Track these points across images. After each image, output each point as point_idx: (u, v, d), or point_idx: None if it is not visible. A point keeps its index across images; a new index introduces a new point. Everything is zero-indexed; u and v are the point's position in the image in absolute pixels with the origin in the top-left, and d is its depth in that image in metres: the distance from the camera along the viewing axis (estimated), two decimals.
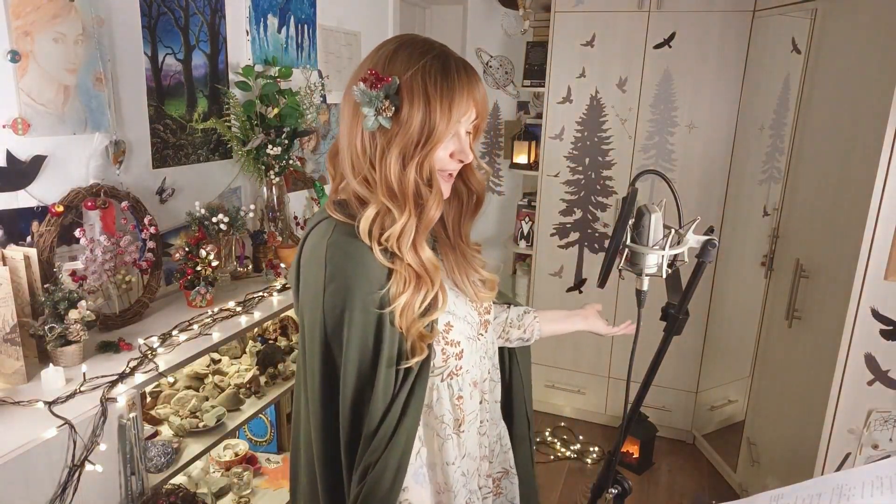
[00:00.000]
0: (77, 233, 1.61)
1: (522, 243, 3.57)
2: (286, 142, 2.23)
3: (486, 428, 1.22)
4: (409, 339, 0.99)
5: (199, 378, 1.96)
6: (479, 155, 4.02)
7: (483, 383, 1.19)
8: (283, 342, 2.24)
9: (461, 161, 1.02)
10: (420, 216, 0.99)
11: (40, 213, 1.59)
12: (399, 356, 0.99)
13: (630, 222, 1.12)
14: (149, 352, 1.56)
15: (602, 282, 1.15)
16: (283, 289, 2.07)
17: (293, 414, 1.15)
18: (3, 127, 1.50)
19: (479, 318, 1.17)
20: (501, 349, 1.33)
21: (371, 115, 0.94)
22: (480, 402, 1.18)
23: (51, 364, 1.44)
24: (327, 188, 2.78)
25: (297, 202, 2.69)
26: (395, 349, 0.99)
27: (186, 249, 1.87)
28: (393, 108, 0.94)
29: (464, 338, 1.10)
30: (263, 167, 2.25)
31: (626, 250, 1.14)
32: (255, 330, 2.08)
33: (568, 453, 3.21)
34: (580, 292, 3.37)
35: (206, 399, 1.86)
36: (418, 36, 1.01)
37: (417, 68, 0.94)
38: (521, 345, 1.36)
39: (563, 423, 3.49)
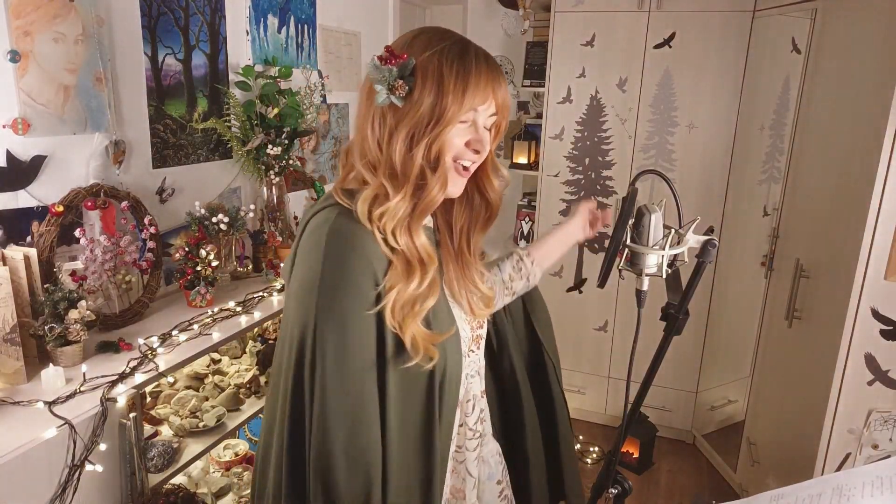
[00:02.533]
0: (77, 233, 1.61)
1: (522, 243, 3.57)
2: (286, 142, 2.23)
3: (465, 458, 1.15)
4: (406, 339, 0.93)
5: (199, 378, 1.96)
6: None
7: (466, 404, 1.14)
8: None
9: (477, 151, 0.98)
10: (420, 198, 0.95)
11: (40, 213, 1.59)
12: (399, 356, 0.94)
13: (630, 222, 1.12)
14: (149, 352, 1.56)
15: (602, 282, 1.15)
16: (283, 289, 2.07)
17: (266, 412, 1.07)
18: (3, 127, 1.50)
19: (472, 332, 1.12)
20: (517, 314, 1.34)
21: (383, 92, 0.92)
22: (460, 426, 1.13)
23: (51, 364, 1.44)
24: (328, 188, 2.79)
25: (297, 202, 2.69)
26: (393, 348, 0.94)
27: (186, 249, 1.87)
28: (406, 89, 0.92)
29: None
30: (263, 167, 2.25)
31: (626, 250, 1.14)
32: (255, 330, 2.07)
33: None
34: (580, 292, 3.37)
35: (206, 399, 1.86)
36: (445, 28, 0.99)
37: (435, 50, 0.93)
38: (526, 290, 1.33)
39: None
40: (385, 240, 0.93)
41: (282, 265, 1.13)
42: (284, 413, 0.94)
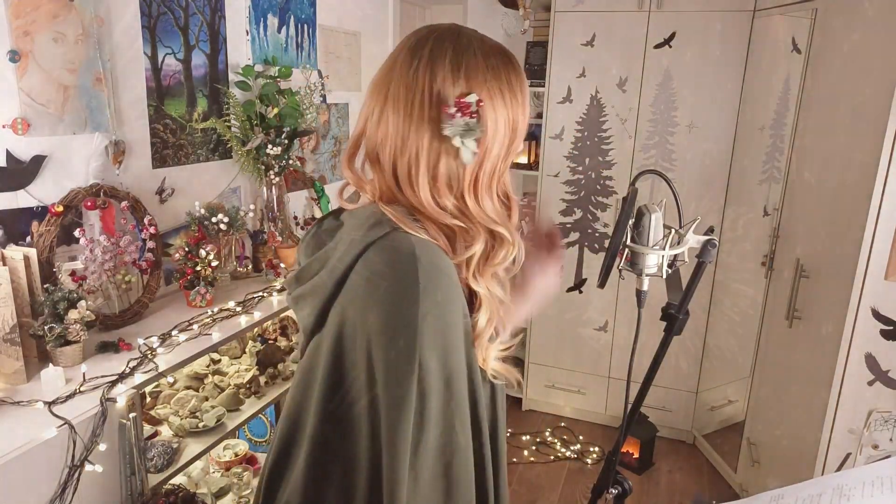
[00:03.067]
0: (77, 233, 1.61)
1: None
2: (286, 142, 2.23)
3: None
4: (489, 369, 0.91)
5: (198, 378, 1.96)
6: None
7: None
8: (282, 342, 2.24)
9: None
10: (497, 240, 0.89)
11: (40, 213, 1.58)
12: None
13: (630, 222, 1.12)
14: (148, 352, 1.56)
15: (602, 282, 1.15)
16: (283, 289, 2.07)
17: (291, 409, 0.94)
18: (3, 127, 1.49)
19: None
20: None
21: (468, 147, 0.83)
22: None
23: (50, 364, 1.44)
24: (328, 188, 2.79)
25: (297, 202, 2.69)
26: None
27: (186, 250, 1.87)
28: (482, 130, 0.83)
29: None
30: (263, 167, 2.25)
31: (627, 250, 1.14)
32: (255, 330, 2.07)
33: (568, 453, 3.21)
34: (580, 292, 3.37)
35: (206, 399, 1.86)
36: (452, 27, 0.90)
37: (490, 75, 0.85)
38: None
39: (563, 423, 3.49)
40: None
41: (288, 278, 0.94)
42: (368, 464, 0.85)
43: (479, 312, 0.87)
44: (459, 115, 0.81)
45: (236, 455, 2.18)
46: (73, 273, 1.59)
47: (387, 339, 0.80)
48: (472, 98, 0.82)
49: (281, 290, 2.06)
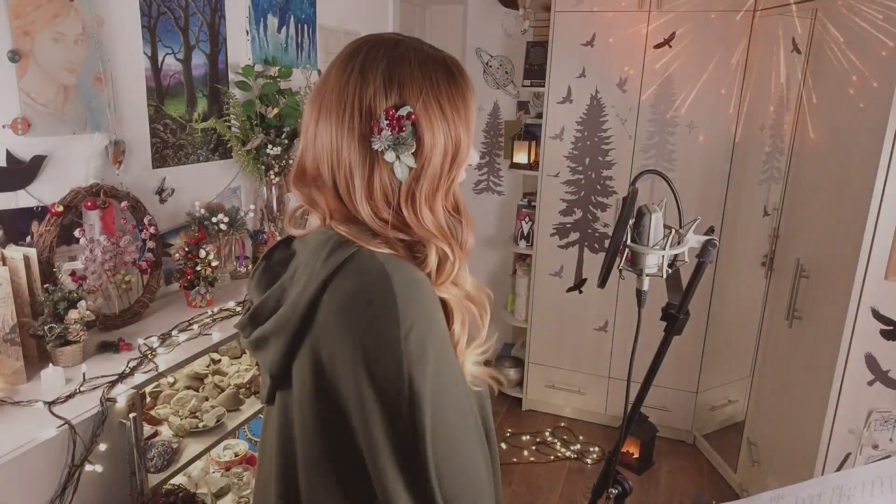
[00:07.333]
0: (77, 233, 1.61)
1: (522, 243, 3.57)
2: (286, 142, 2.22)
3: None
4: (468, 375, 0.87)
5: (198, 378, 1.96)
6: (480, 155, 4.02)
7: None
8: None
9: (470, 165, 0.90)
10: (462, 249, 0.87)
11: (40, 212, 1.58)
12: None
13: (630, 222, 1.12)
14: (149, 352, 1.56)
15: (602, 282, 1.15)
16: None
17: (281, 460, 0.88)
18: (3, 126, 1.49)
19: None
20: None
21: (401, 163, 0.80)
22: None
23: (50, 364, 1.44)
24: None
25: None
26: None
27: (186, 249, 1.86)
28: (415, 144, 0.80)
29: None
30: (263, 167, 2.24)
31: (627, 250, 1.14)
32: None
33: (568, 453, 3.21)
34: (580, 292, 3.37)
35: (206, 399, 1.86)
36: (391, 37, 0.86)
37: (427, 87, 0.81)
38: None
39: (563, 424, 3.49)
40: None
41: (254, 329, 0.88)
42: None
43: (452, 319, 0.84)
44: (389, 128, 0.78)
45: (236, 455, 2.18)
46: (73, 273, 1.59)
47: (373, 367, 0.75)
48: (404, 111, 0.79)
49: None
